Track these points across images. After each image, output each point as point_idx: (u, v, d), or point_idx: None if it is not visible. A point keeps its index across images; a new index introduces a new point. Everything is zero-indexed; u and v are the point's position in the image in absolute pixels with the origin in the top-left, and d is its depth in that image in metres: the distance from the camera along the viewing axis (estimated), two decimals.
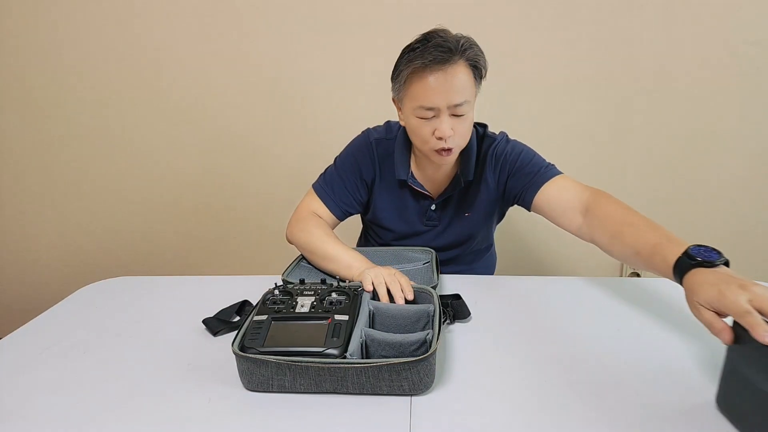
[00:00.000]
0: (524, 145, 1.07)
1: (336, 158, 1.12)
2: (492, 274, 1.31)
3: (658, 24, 1.55)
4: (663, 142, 1.67)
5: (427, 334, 0.70)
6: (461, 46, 0.89)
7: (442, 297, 0.89)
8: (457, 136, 0.94)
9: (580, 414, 0.63)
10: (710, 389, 0.66)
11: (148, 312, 0.94)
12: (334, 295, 0.79)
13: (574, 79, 1.62)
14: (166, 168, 1.80)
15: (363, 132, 1.13)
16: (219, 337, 0.83)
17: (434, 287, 0.89)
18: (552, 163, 1.05)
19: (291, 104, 1.70)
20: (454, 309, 0.86)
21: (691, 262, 0.62)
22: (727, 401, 0.60)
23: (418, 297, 0.86)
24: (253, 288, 1.00)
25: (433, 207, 1.11)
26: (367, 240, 1.29)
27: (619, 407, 0.64)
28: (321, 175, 1.12)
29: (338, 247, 0.98)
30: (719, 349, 0.78)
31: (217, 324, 0.85)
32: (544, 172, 1.01)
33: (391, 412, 0.64)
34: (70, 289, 1.05)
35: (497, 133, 1.11)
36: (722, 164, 1.69)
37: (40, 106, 1.74)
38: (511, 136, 1.10)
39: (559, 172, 1.02)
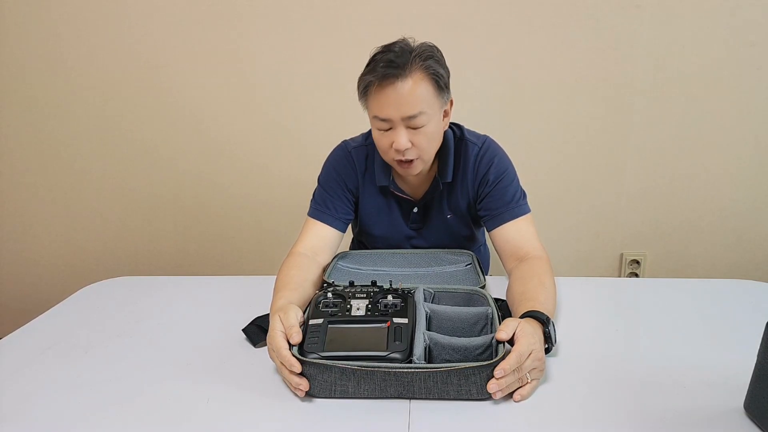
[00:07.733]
0: (508, 162, 1.07)
1: (318, 177, 1.12)
2: (486, 271, 1.31)
3: (657, 24, 1.55)
4: (662, 141, 1.67)
5: (492, 337, 0.69)
6: (413, 60, 0.89)
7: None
8: (417, 148, 0.94)
9: (577, 414, 0.63)
10: (704, 390, 0.66)
11: (148, 312, 0.94)
12: (389, 297, 0.77)
13: (572, 79, 1.62)
14: (167, 168, 1.80)
15: (339, 144, 1.13)
16: (219, 337, 0.83)
17: (482, 287, 0.89)
18: (525, 191, 1.05)
19: (291, 105, 1.70)
20: (502, 311, 0.85)
21: (529, 312, 0.76)
22: (757, 406, 0.60)
23: (470, 299, 0.85)
24: (254, 288, 1.00)
25: (415, 210, 1.11)
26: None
27: (617, 408, 0.64)
28: (311, 200, 1.11)
29: (277, 295, 0.86)
30: (715, 347, 0.77)
31: (258, 334, 0.81)
32: (513, 206, 1.01)
33: (390, 415, 0.64)
34: (71, 289, 1.05)
35: (479, 134, 1.10)
36: (721, 164, 1.68)
37: (40, 106, 1.74)
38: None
39: (527, 210, 1.03)
